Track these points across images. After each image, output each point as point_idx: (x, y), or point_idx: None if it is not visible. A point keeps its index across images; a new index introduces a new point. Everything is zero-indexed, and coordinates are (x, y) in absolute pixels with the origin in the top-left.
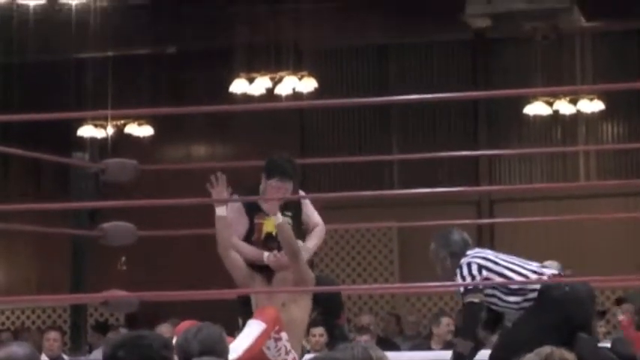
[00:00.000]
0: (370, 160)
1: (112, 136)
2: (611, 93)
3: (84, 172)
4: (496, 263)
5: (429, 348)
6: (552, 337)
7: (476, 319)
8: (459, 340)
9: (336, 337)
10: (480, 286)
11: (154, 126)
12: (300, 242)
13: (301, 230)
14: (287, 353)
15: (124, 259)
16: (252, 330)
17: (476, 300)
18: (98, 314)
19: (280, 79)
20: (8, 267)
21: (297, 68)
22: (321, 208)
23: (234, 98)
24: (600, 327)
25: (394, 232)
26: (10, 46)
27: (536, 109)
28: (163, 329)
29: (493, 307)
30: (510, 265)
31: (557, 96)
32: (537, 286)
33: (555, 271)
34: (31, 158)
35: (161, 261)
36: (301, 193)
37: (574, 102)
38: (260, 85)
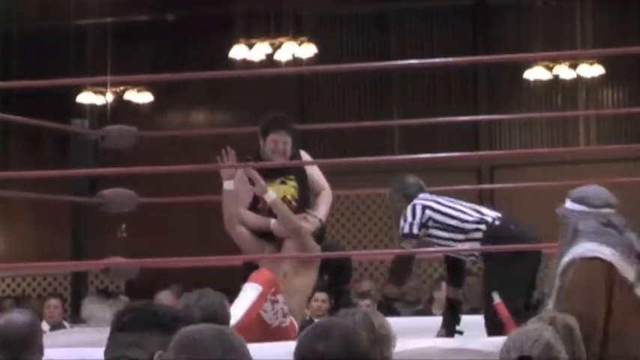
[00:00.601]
0: (370, 126)
1: (111, 103)
2: (611, 58)
3: (83, 139)
4: (440, 203)
5: (430, 313)
6: (522, 276)
7: (405, 265)
8: (388, 286)
9: (341, 303)
10: (420, 232)
11: (153, 92)
12: (309, 214)
13: (307, 194)
14: (284, 316)
15: (124, 226)
16: (249, 294)
17: (408, 247)
18: (98, 281)
19: (280, 45)
20: (8, 235)
21: (296, 34)
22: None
23: (233, 64)
24: None
25: None
26: (9, 14)
27: (536, 74)
28: (163, 296)
29: (440, 246)
30: (454, 205)
31: (557, 61)
32: (482, 227)
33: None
34: (31, 126)
35: (161, 228)
36: (306, 156)
37: (574, 67)
38: (259, 51)
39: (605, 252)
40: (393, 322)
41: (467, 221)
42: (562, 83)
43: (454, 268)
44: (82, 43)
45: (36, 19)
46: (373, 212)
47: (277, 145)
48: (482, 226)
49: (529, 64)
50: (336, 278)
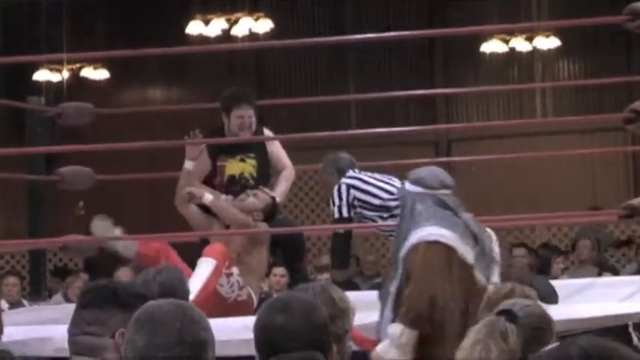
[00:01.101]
0: (327, 101)
1: (67, 80)
2: (567, 30)
3: (40, 117)
4: (365, 182)
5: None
6: None
7: (342, 249)
8: (333, 272)
9: (297, 279)
10: (350, 213)
11: (109, 69)
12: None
13: (267, 171)
14: (240, 289)
15: (81, 203)
16: (203, 268)
17: (341, 231)
18: (57, 259)
19: (236, 21)
20: None
21: (253, 9)
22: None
23: (190, 40)
24: (558, 264)
25: None
26: None
27: (493, 46)
28: (122, 273)
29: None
30: (378, 183)
31: (513, 33)
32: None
33: None
34: None
35: (119, 205)
36: (267, 132)
37: (530, 39)
38: (216, 26)
39: (446, 235)
40: (352, 295)
41: (388, 199)
42: (518, 56)
43: (343, 253)
44: (37, 20)
45: None
46: None
47: (244, 119)
48: (393, 202)
49: (485, 37)
50: (290, 255)
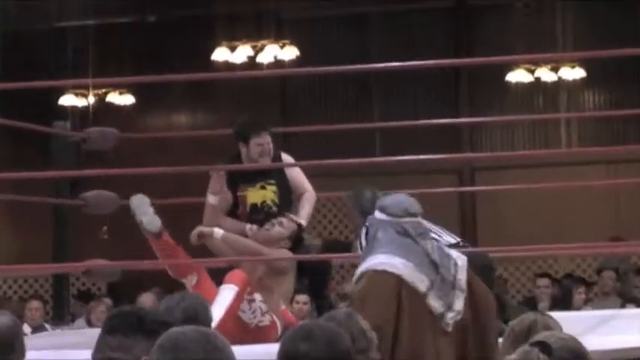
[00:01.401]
0: (351, 129)
1: (93, 105)
2: (592, 61)
3: (65, 141)
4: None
5: None
6: None
7: None
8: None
9: (322, 307)
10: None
11: (135, 95)
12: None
13: (289, 197)
14: (263, 315)
15: (105, 228)
16: (225, 295)
17: None
18: (80, 284)
19: (262, 48)
20: None
21: (278, 37)
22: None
23: (215, 67)
24: (579, 294)
25: None
26: None
27: (518, 76)
28: (145, 299)
29: None
30: None
31: (538, 63)
32: None
33: (453, 240)
34: (12, 128)
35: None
36: (288, 158)
37: (555, 70)
38: (242, 53)
39: (396, 264)
40: None
41: None
42: (543, 86)
43: None
44: (63, 45)
45: (17, 21)
46: None
47: (264, 147)
48: None
49: (511, 67)
50: (315, 282)
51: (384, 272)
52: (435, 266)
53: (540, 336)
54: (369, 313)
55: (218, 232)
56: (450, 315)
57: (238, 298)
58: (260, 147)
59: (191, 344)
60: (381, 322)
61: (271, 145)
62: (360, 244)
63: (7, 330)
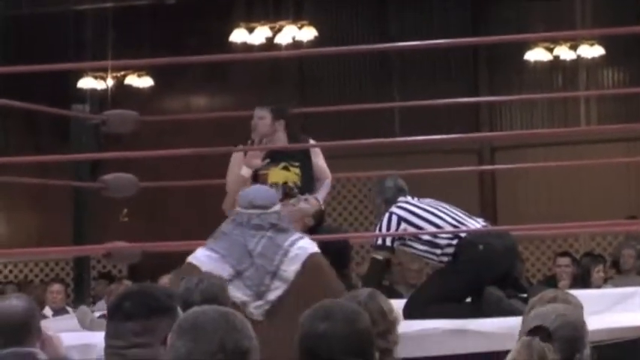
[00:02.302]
0: (370, 109)
1: (111, 88)
2: (611, 38)
3: (84, 124)
4: (416, 215)
5: None
6: (461, 292)
7: (376, 275)
8: None
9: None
10: (393, 244)
11: (153, 77)
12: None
13: (311, 181)
14: None
15: (125, 210)
16: None
17: (379, 257)
18: (101, 266)
19: (280, 29)
20: (10, 221)
21: (297, 17)
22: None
23: (233, 48)
24: (598, 272)
25: None
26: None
27: (537, 55)
28: (166, 280)
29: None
30: (430, 217)
31: (557, 42)
32: (454, 242)
33: (478, 224)
34: (31, 111)
35: (163, 211)
36: (311, 141)
37: (574, 48)
38: (260, 34)
39: (199, 256)
40: (396, 304)
41: (440, 237)
42: (562, 64)
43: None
44: (81, 28)
45: (34, 4)
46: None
47: (254, 121)
48: (454, 242)
49: (529, 46)
50: (335, 261)
51: (189, 264)
52: (250, 257)
53: (539, 314)
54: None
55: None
56: (255, 304)
57: None
58: (252, 121)
59: (210, 325)
60: None
61: (265, 121)
62: (380, 228)
63: (23, 313)
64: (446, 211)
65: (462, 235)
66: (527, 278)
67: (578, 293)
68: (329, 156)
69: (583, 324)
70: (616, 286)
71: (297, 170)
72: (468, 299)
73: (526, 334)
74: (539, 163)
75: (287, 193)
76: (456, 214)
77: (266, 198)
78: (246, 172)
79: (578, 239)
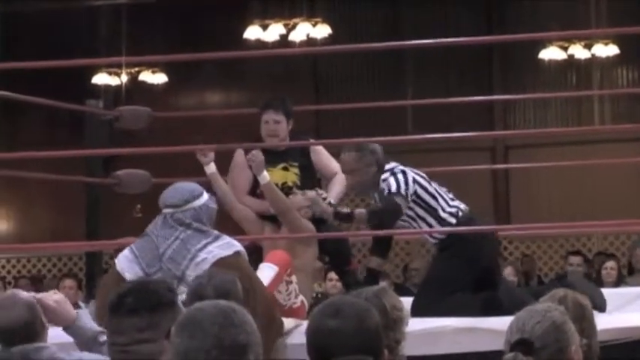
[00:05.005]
0: (384, 106)
1: (126, 84)
2: (626, 38)
3: (98, 120)
4: (429, 182)
5: None
6: (465, 279)
7: (394, 219)
8: (372, 259)
9: (349, 283)
10: (409, 199)
11: (167, 73)
12: (319, 191)
13: (312, 180)
14: (296, 297)
15: (139, 206)
16: (265, 274)
17: (402, 204)
18: (113, 262)
19: (294, 26)
20: (24, 216)
21: (310, 15)
22: (334, 155)
23: (248, 45)
24: (606, 269)
25: None
26: None
27: (551, 53)
28: None
29: (404, 221)
30: (440, 191)
31: (571, 41)
32: (453, 220)
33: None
34: (46, 106)
35: None
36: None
37: (589, 47)
38: (274, 31)
39: (119, 257)
40: (405, 301)
41: (444, 209)
42: (577, 63)
43: (383, 240)
44: (96, 23)
45: (51, 0)
46: None
47: (268, 125)
48: (453, 220)
49: (544, 44)
50: (336, 260)
51: (114, 264)
52: (160, 260)
53: (518, 324)
54: (97, 300)
55: (266, 175)
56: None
57: (278, 279)
58: (265, 125)
59: (207, 321)
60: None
61: (281, 125)
62: (394, 186)
63: (27, 315)
64: (441, 189)
65: (459, 214)
66: (539, 277)
67: None
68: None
69: (564, 322)
70: (629, 285)
71: (296, 170)
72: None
73: (509, 350)
74: (553, 162)
75: (287, 193)
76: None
77: (179, 196)
78: (208, 168)
79: (591, 238)
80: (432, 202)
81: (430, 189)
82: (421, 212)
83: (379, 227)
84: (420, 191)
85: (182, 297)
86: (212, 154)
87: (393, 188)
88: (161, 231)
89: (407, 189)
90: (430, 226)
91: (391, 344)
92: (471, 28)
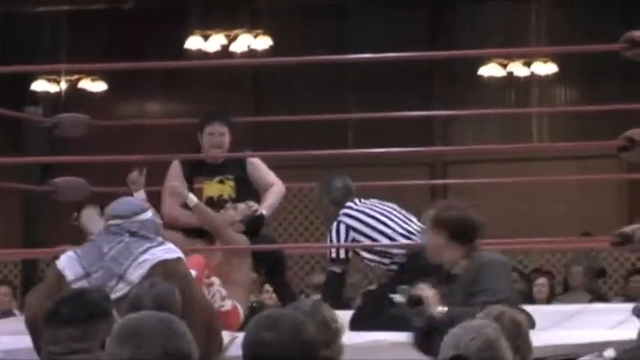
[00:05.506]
0: (324, 120)
1: (65, 91)
2: (565, 56)
3: (37, 127)
4: (366, 224)
5: None
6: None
7: (335, 289)
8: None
9: (284, 294)
10: (347, 254)
11: (107, 82)
12: (249, 203)
13: (247, 193)
14: (222, 299)
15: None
16: None
17: (337, 270)
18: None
19: (235, 37)
20: None
21: (252, 26)
22: (273, 167)
23: (189, 55)
24: (536, 285)
25: None
26: None
27: (491, 70)
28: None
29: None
30: (380, 227)
31: (511, 58)
32: (404, 251)
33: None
34: None
35: None
36: (254, 158)
37: (528, 64)
38: (215, 42)
39: (63, 256)
40: (343, 314)
41: (391, 244)
42: (516, 80)
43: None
44: (36, 30)
45: None
46: None
47: (213, 137)
48: (405, 251)
49: (483, 61)
50: (271, 271)
51: (55, 263)
52: (102, 260)
53: (455, 333)
54: (31, 300)
55: (192, 198)
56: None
57: (197, 282)
58: (210, 137)
59: (151, 331)
60: (38, 310)
61: (226, 137)
62: (331, 238)
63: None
64: (394, 218)
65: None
66: None
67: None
68: (280, 166)
69: (498, 338)
70: (563, 303)
71: (232, 183)
72: None
73: None
74: (491, 179)
75: (223, 206)
76: (405, 221)
77: (127, 208)
78: (137, 194)
79: (529, 255)
80: (377, 247)
81: (371, 232)
82: (371, 257)
83: (333, 300)
84: (360, 238)
85: (120, 293)
86: (142, 180)
87: (329, 254)
88: (106, 237)
89: (339, 249)
90: (382, 265)
91: (334, 357)
92: (413, 43)
